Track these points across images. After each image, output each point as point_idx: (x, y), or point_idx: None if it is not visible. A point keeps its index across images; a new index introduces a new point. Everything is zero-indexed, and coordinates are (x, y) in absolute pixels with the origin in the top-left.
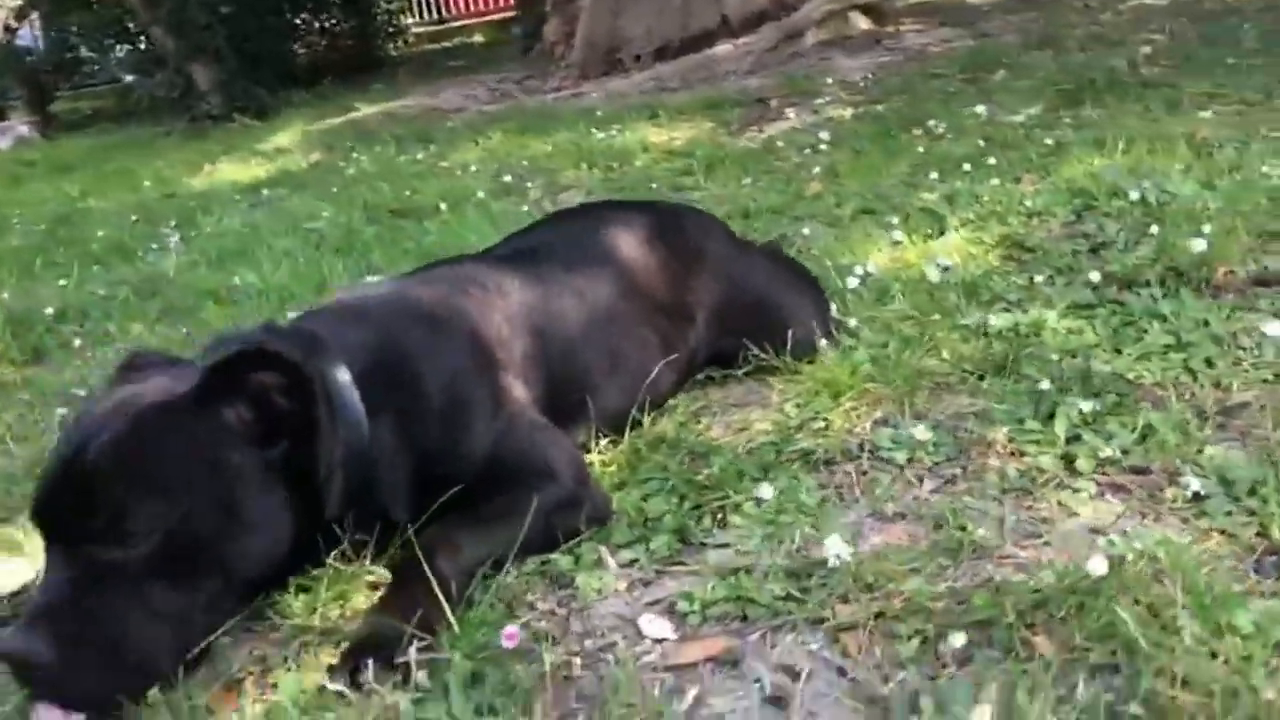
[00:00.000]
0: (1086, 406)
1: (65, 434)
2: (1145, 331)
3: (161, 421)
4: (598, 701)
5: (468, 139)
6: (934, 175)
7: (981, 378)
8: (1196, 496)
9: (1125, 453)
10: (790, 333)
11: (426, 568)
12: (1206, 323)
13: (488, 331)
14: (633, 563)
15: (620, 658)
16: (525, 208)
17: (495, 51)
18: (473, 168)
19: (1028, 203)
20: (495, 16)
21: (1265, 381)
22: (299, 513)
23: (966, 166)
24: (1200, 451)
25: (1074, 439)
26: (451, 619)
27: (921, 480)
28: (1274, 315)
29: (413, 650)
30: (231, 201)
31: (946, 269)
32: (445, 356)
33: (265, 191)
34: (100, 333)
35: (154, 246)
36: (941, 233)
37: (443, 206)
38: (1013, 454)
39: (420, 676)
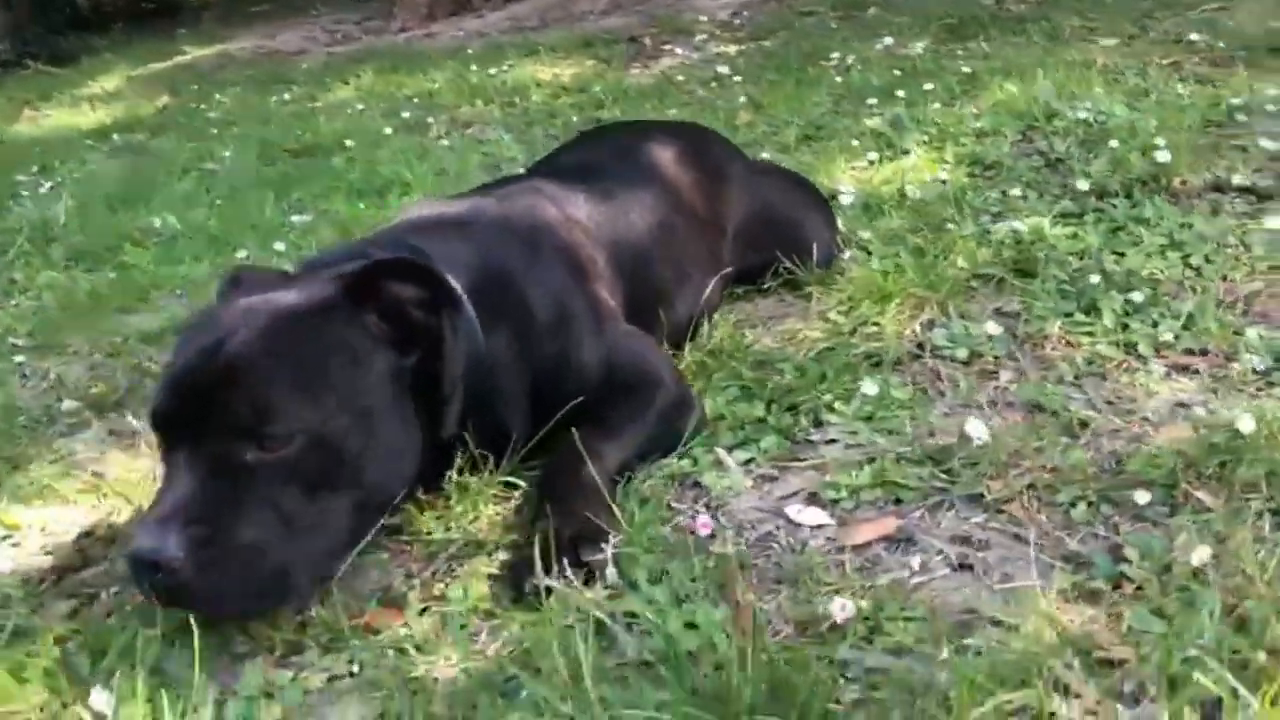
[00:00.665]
0: (1123, 300)
1: (187, 337)
2: (1137, 235)
3: (304, 322)
4: (791, 581)
5: (334, 79)
6: (872, 102)
7: (1001, 281)
8: (1257, 371)
9: (1177, 337)
10: (814, 246)
11: (580, 474)
12: (1190, 225)
13: (576, 245)
14: (749, 462)
15: (791, 543)
16: (446, 142)
17: None
18: (359, 106)
19: (977, 124)
20: None
21: (1264, 272)
22: (425, 426)
23: (900, 93)
24: (1240, 334)
25: (1123, 328)
26: (620, 519)
27: (996, 373)
28: (1246, 216)
29: (608, 548)
30: (85, 147)
31: (943, 183)
32: (545, 271)
33: (117, 136)
34: (6, 282)
35: (23, 194)
36: (904, 153)
37: (349, 143)
38: (1069, 344)
39: (611, 573)
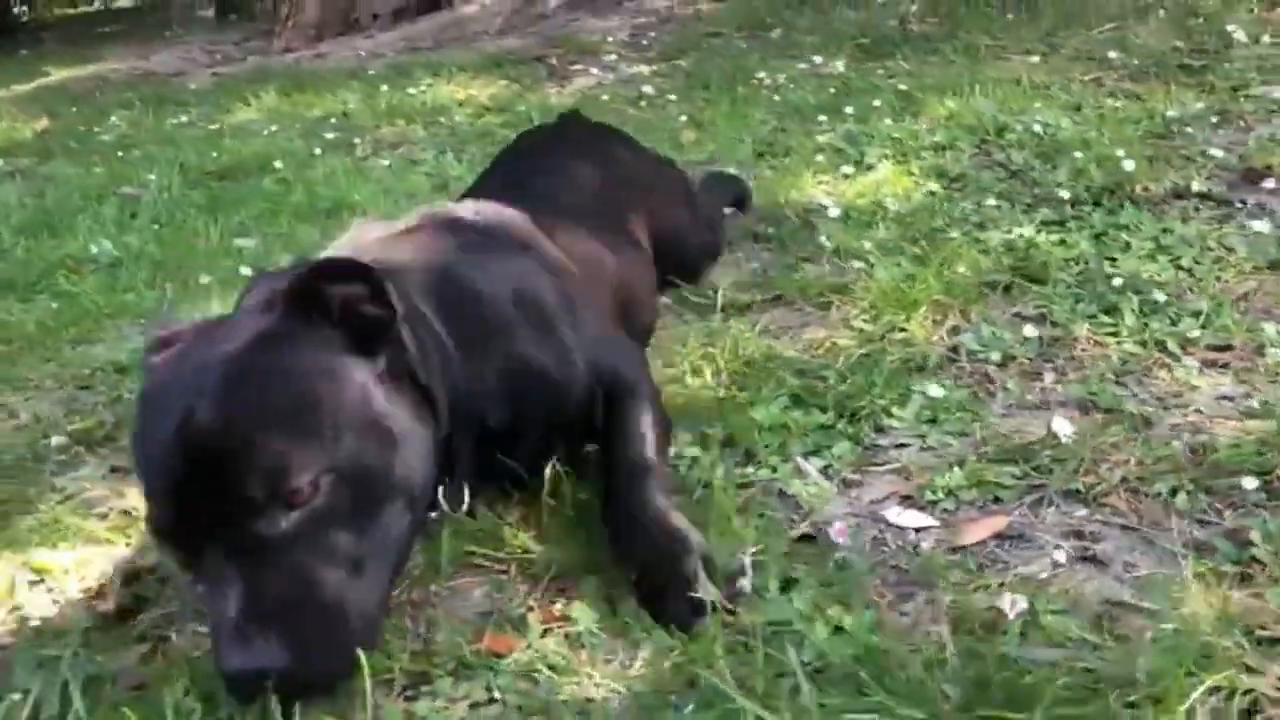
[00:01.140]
0: (1139, 300)
1: (146, 423)
2: (1121, 240)
3: (269, 356)
4: (923, 583)
5: (230, 100)
6: (821, 119)
7: (1009, 287)
8: None
9: (1199, 335)
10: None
11: (648, 495)
12: (1170, 230)
13: (540, 240)
14: (825, 469)
15: (902, 545)
16: (385, 162)
17: (155, 16)
18: (273, 127)
19: (932, 138)
20: None
21: (1252, 272)
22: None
23: (849, 109)
24: (1255, 330)
25: (1144, 328)
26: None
27: (1039, 374)
28: (1215, 220)
29: (747, 560)
30: None
31: (931, 194)
32: (510, 264)
33: (1, 161)
34: None
35: None
36: (868, 168)
37: (278, 165)
38: (1099, 344)
39: (745, 583)
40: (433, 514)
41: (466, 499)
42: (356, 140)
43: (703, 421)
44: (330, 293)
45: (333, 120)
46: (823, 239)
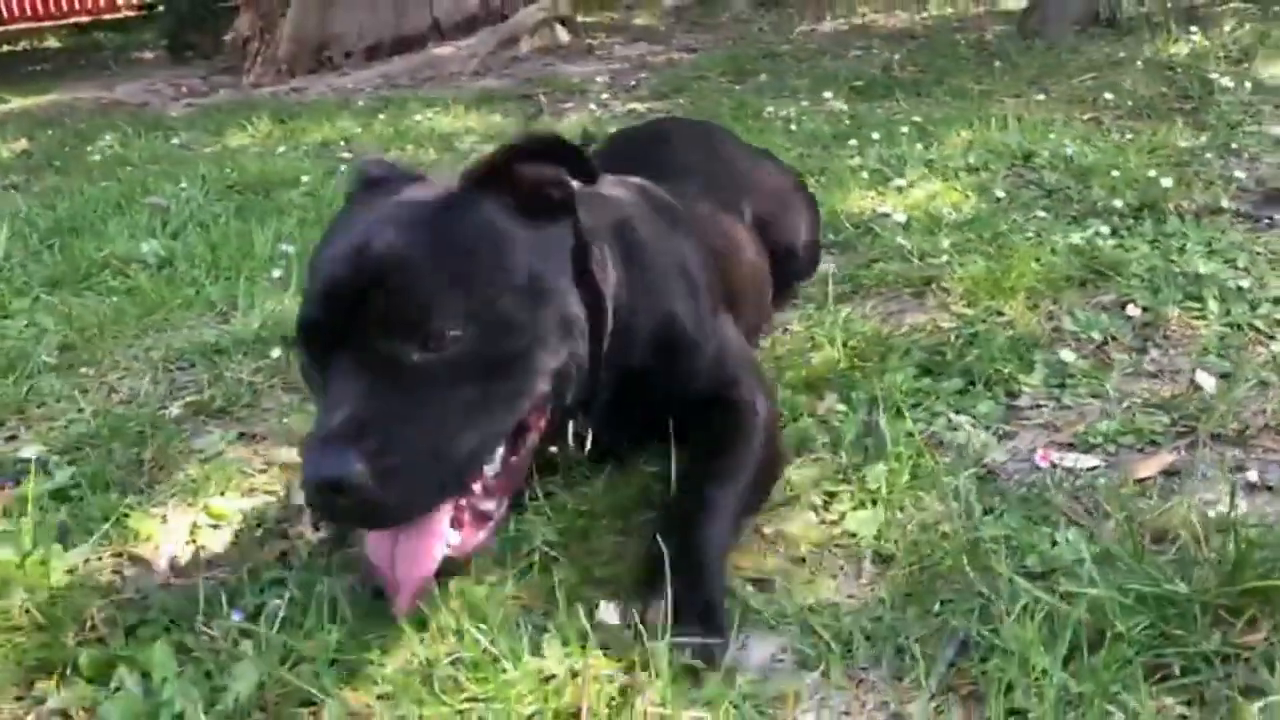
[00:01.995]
0: (1217, 288)
1: (328, 241)
2: (1176, 245)
3: (449, 213)
4: (1103, 513)
5: (222, 126)
6: (853, 143)
7: (1084, 282)
8: None
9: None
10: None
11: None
12: (1220, 235)
13: (697, 226)
14: (974, 424)
15: (1079, 480)
16: None
17: (87, 56)
18: (280, 149)
19: (966, 160)
20: (65, 21)
21: None
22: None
23: (875, 136)
24: None
25: (1226, 313)
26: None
27: (1144, 350)
28: (1254, 232)
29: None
30: None
31: (997, 200)
32: (676, 239)
33: None
34: None
35: None
36: (910, 186)
37: (305, 179)
38: (1190, 326)
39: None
40: (552, 448)
41: (588, 444)
42: None
43: (839, 387)
44: (520, 171)
45: (340, 144)
46: (899, 240)
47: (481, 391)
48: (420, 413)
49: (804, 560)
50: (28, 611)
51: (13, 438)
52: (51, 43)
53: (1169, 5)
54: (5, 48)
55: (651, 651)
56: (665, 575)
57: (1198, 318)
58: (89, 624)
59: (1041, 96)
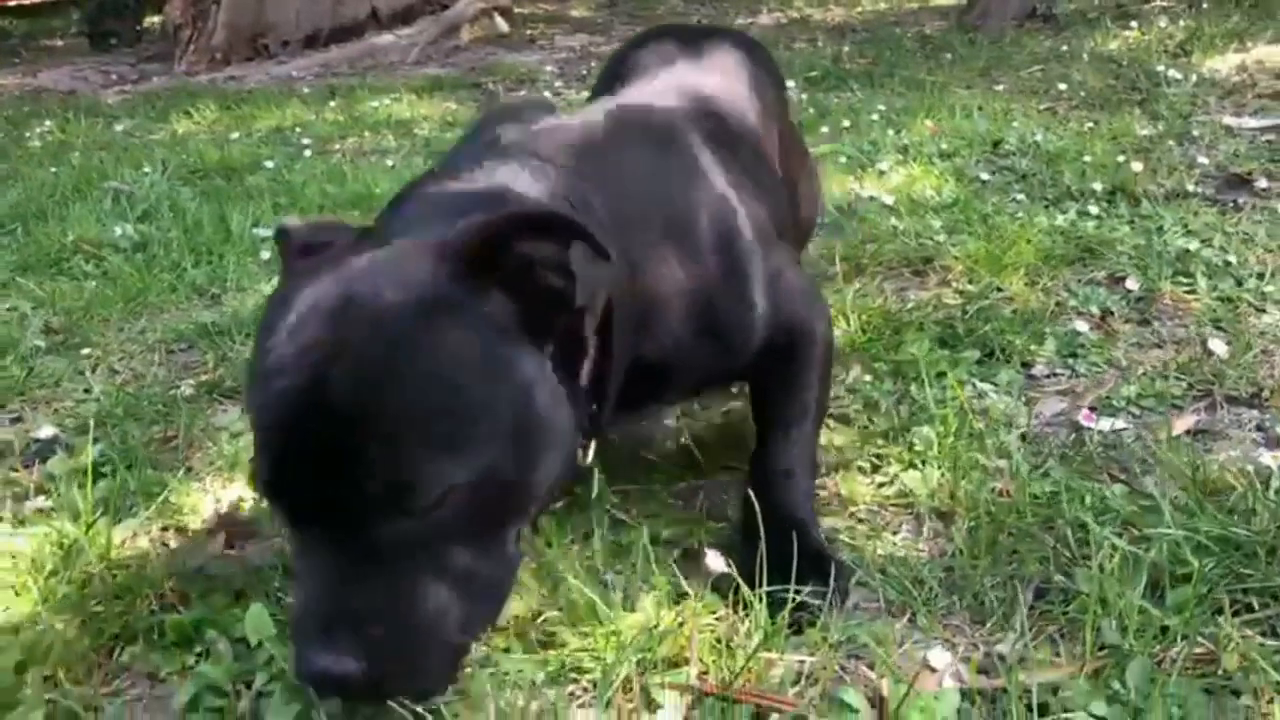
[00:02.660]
0: (1203, 266)
1: (275, 346)
2: (1153, 227)
3: (427, 333)
4: (1141, 470)
5: (164, 113)
6: (823, 130)
7: (1073, 262)
8: None
9: (1264, 294)
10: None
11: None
12: (1194, 216)
13: (724, 133)
14: (998, 389)
15: (1111, 440)
16: (390, 161)
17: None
18: (233, 135)
19: (939, 147)
20: None
21: (1279, 250)
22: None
23: (845, 124)
24: None
25: (1213, 289)
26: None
27: (1146, 321)
28: (1223, 214)
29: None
30: None
31: (982, 181)
32: (698, 179)
33: None
34: None
35: None
36: (882, 172)
37: (269, 164)
38: (1183, 300)
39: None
40: None
41: (590, 456)
42: (338, 146)
43: (861, 360)
44: (517, 254)
45: (295, 130)
46: (892, 221)
47: (479, 545)
48: (414, 587)
49: (863, 519)
50: (102, 581)
51: (18, 419)
52: None
53: (1097, 1)
54: None
55: (755, 599)
56: (760, 528)
57: (1189, 292)
58: (161, 593)
59: (998, 87)
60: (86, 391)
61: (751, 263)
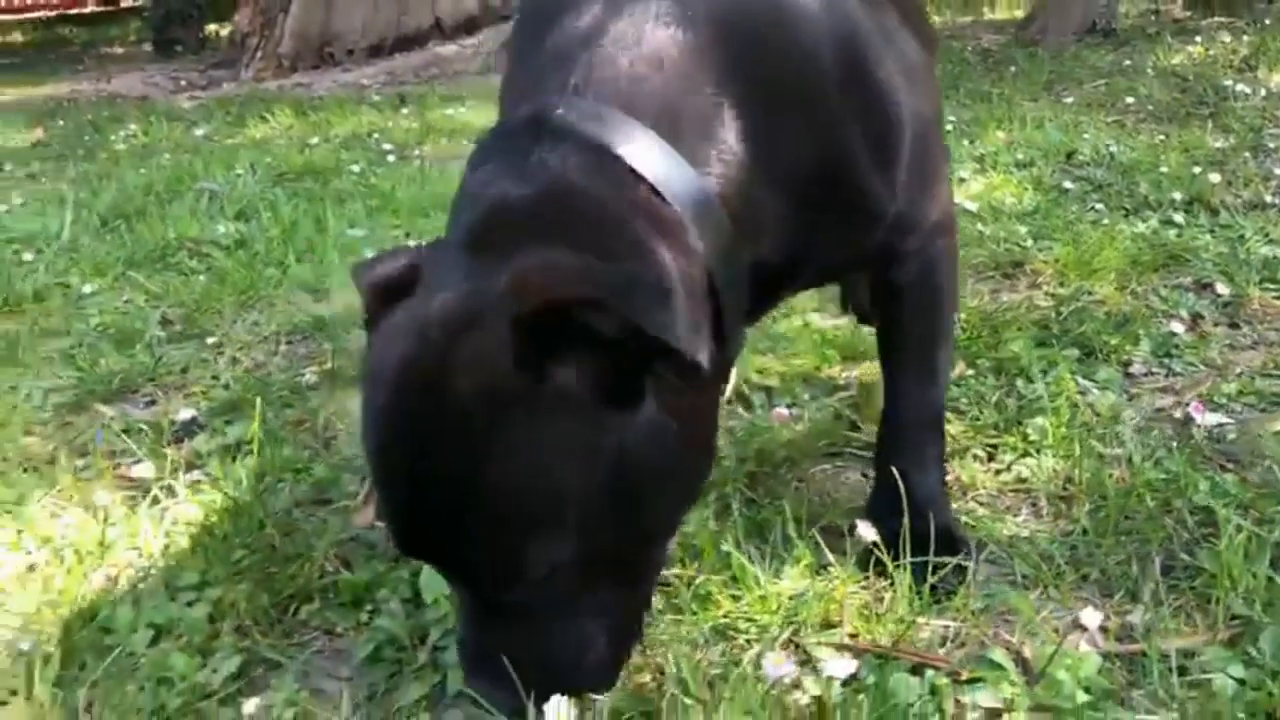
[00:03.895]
0: None
1: (374, 444)
2: (1236, 235)
3: (493, 428)
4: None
5: (240, 117)
6: None
7: (1159, 268)
8: None
9: None
10: None
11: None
12: (1269, 229)
13: None
14: (1099, 385)
15: (1217, 434)
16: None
17: (54, 51)
18: (313, 140)
19: (1014, 157)
20: (28, 16)
21: None
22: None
23: None
24: None
25: None
26: None
27: (1236, 324)
28: None
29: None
30: None
31: (1065, 191)
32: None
33: (8, 166)
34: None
35: None
36: (962, 180)
37: (354, 168)
38: (1273, 305)
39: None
40: None
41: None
42: (418, 153)
43: (963, 356)
44: (567, 333)
45: (371, 136)
46: (978, 227)
47: (598, 592)
48: (536, 635)
49: (984, 503)
50: (272, 546)
51: (152, 403)
52: (16, 37)
53: (1154, 17)
54: None
55: (899, 570)
56: (901, 499)
57: (1277, 298)
58: (326, 557)
59: (1066, 100)
60: (214, 378)
61: (896, 114)
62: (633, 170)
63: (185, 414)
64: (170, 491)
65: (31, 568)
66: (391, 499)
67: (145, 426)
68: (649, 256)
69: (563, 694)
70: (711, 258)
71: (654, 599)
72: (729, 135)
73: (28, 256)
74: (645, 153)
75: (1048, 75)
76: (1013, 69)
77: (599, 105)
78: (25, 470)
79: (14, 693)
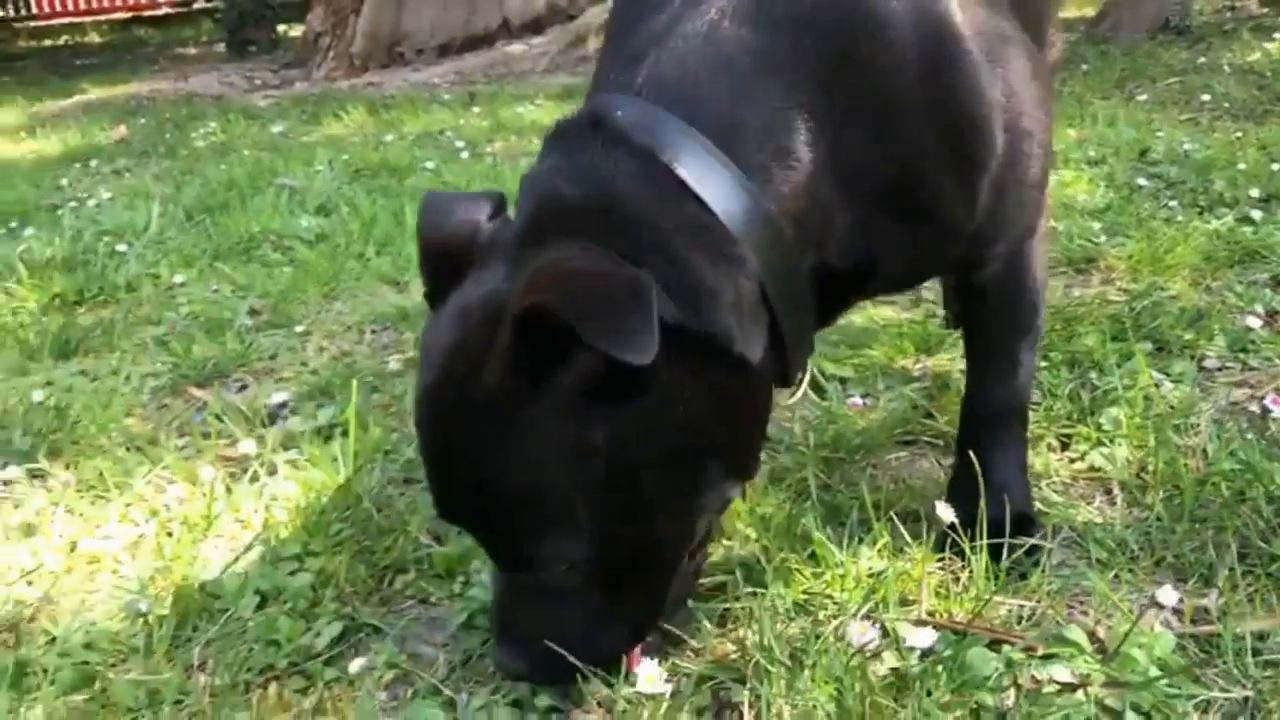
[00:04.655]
0: None
1: (421, 392)
2: None
3: (504, 428)
4: None
5: (315, 116)
6: None
7: (1233, 265)
8: None
9: None
10: None
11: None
12: None
13: None
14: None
15: None
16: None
17: (131, 51)
18: (387, 137)
19: (1085, 154)
20: (105, 17)
21: None
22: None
23: None
24: None
25: None
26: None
27: None
28: None
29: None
30: (67, 170)
31: (1139, 187)
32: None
33: (94, 162)
34: (149, 277)
35: (58, 208)
36: None
37: (429, 165)
38: None
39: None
40: None
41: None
42: (490, 150)
43: None
44: (562, 333)
45: (444, 134)
46: (1051, 223)
47: (621, 589)
48: (564, 617)
49: (1059, 491)
50: (368, 520)
51: (244, 387)
52: (93, 38)
53: (1230, 13)
54: (47, 42)
55: (975, 551)
56: (978, 484)
57: None
58: (420, 531)
59: (1140, 98)
60: (303, 364)
61: (987, 133)
62: (681, 181)
63: (277, 398)
64: (269, 469)
65: (141, 538)
66: (428, 471)
67: (240, 409)
68: (676, 265)
69: (562, 672)
70: (763, 268)
71: (735, 575)
72: (795, 143)
73: (120, 248)
74: (695, 164)
75: (1120, 73)
76: (1084, 67)
77: (657, 111)
78: (128, 449)
79: (135, 650)
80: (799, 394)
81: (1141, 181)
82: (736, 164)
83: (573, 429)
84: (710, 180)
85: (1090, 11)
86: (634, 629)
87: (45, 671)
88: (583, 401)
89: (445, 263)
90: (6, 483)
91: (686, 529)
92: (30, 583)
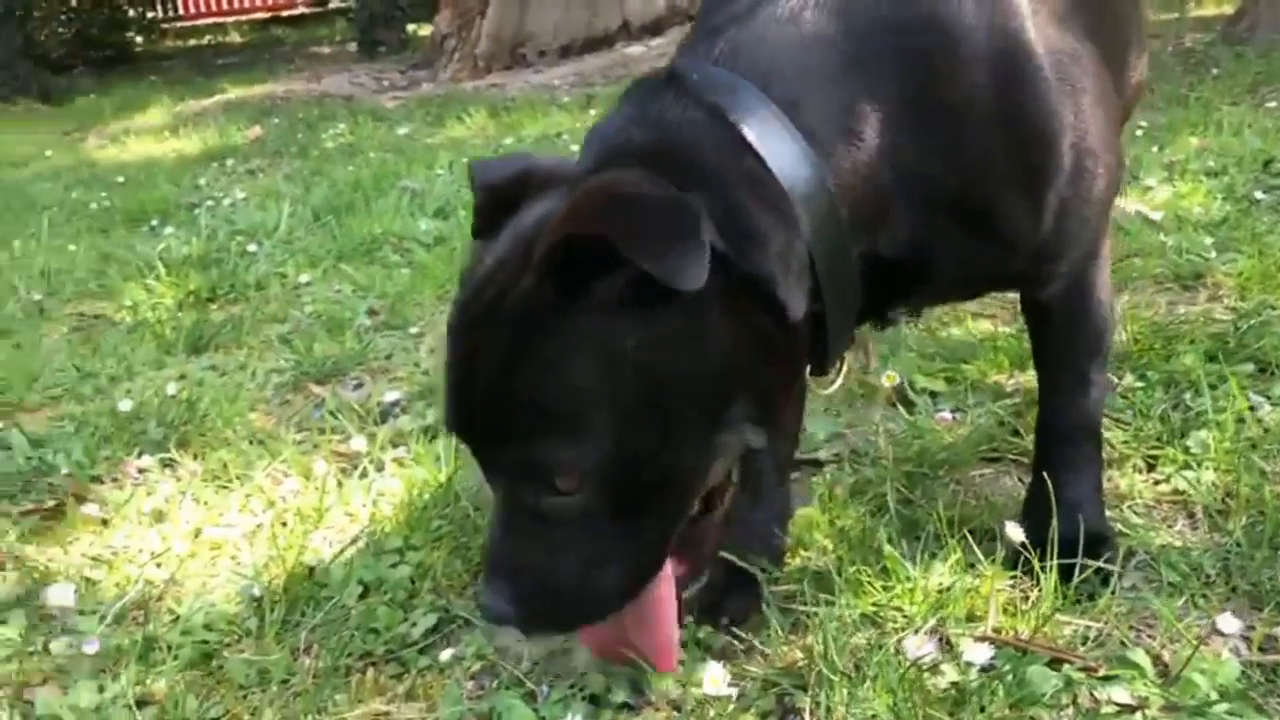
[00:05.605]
0: None
1: (446, 357)
2: None
3: (540, 339)
4: None
5: (439, 118)
6: None
7: None
8: None
9: None
10: None
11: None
12: None
13: None
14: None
15: None
16: None
17: (268, 50)
18: (507, 140)
19: (1205, 164)
20: (245, 17)
21: None
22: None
23: None
24: None
25: None
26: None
27: None
28: None
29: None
30: (205, 169)
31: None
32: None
33: (230, 161)
34: (277, 275)
35: (196, 208)
36: (1148, 188)
37: None
38: None
39: None
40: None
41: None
42: None
43: (1132, 368)
44: (599, 247)
45: (561, 137)
46: (1160, 237)
47: (628, 516)
48: (559, 554)
49: (1140, 513)
50: (467, 517)
51: (360, 385)
52: (234, 37)
53: None
54: (192, 42)
55: (1045, 571)
56: (1050, 503)
57: None
58: None
59: (1270, 104)
60: (415, 365)
61: (1053, 148)
62: (744, 138)
63: (390, 397)
64: (378, 465)
65: (258, 527)
66: (447, 382)
67: (355, 407)
68: (729, 206)
69: (554, 615)
70: (814, 235)
71: (806, 585)
72: (861, 127)
73: (251, 248)
74: (760, 125)
75: (1253, 77)
76: (1214, 70)
77: (731, 76)
78: (251, 442)
79: (248, 632)
80: (836, 385)
81: (1260, 194)
82: (801, 135)
83: (604, 334)
84: (773, 143)
85: (1229, 9)
86: (632, 577)
87: (169, 648)
88: (617, 309)
89: (498, 199)
90: (141, 470)
91: (701, 465)
92: (159, 565)
